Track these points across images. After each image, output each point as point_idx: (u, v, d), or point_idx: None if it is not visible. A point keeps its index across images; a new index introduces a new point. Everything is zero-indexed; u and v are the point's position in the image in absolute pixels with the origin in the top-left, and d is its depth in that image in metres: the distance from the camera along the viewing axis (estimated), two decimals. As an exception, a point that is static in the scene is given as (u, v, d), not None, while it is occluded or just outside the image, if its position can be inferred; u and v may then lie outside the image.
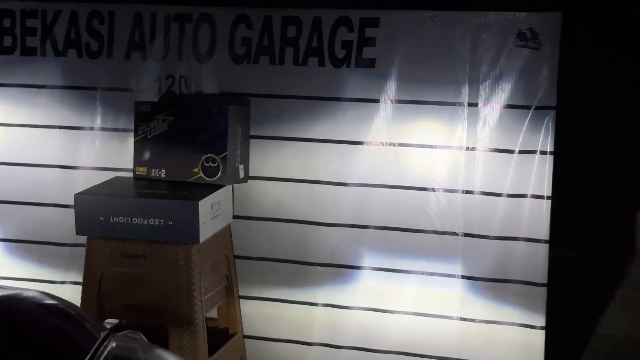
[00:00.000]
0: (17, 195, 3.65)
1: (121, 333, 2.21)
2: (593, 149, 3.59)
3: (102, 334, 2.11)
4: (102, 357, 2.01)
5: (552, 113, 3.16)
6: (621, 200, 3.74)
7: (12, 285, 2.29)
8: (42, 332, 2.05)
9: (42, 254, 3.67)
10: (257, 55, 3.38)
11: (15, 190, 3.65)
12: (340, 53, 3.30)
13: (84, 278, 3.26)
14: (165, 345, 3.14)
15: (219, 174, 3.28)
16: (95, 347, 2.02)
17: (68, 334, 2.08)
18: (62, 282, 3.67)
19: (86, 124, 3.57)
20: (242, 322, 3.52)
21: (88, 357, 1.98)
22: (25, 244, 3.69)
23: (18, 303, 2.10)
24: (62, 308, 2.20)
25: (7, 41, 3.56)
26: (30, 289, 2.21)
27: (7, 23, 3.54)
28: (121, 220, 3.15)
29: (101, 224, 3.17)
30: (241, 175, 3.37)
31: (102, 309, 3.24)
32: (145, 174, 3.39)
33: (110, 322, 3.30)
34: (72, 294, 3.45)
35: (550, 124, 3.15)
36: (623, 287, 3.84)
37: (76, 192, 3.28)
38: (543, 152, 3.18)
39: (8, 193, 3.66)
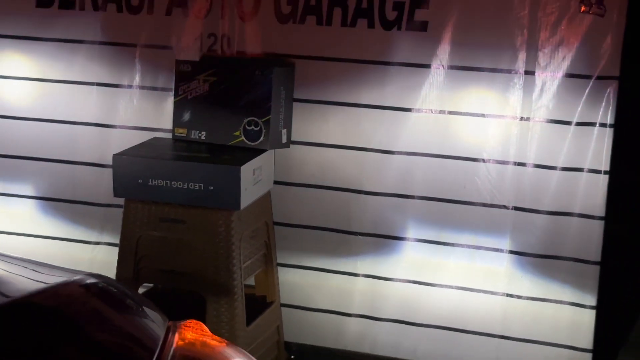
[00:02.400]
0: (52, 152, 3.57)
1: (182, 323, 2.03)
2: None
3: (165, 326, 1.95)
4: (170, 352, 1.86)
5: (615, 84, 3.02)
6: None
7: (70, 268, 2.10)
8: (104, 329, 1.89)
9: (76, 214, 3.60)
10: (304, 15, 3.23)
11: (50, 148, 3.57)
12: (390, 15, 3.15)
13: (121, 241, 3.14)
14: (203, 314, 3.03)
15: (262, 138, 3.13)
16: (159, 346, 1.86)
17: (131, 333, 1.92)
18: (97, 243, 3.58)
19: (124, 81, 3.46)
20: (279, 291, 3.40)
21: (156, 355, 1.83)
22: (60, 203, 3.61)
23: (72, 290, 1.92)
24: (124, 300, 2.06)
25: (46, -7, 3.44)
26: (90, 275, 2.04)
27: (44, -26, 3.44)
28: (160, 183, 3.01)
29: (139, 186, 3.04)
30: (284, 140, 3.21)
31: (138, 274, 3.13)
32: (184, 135, 3.26)
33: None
34: (107, 255, 3.49)
35: (611, 95, 3.03)
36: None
37: (112, 151, 3.15)
38: (603, 125, 3.04)
39: (43, 150, 3.58)
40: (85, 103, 3.49)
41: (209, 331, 2.07)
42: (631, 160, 3.31)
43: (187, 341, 1.95)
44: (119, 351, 1.83)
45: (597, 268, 3.11)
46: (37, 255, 3.50)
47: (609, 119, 3.01)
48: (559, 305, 3.17)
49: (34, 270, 2.02)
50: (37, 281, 1.95)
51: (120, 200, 3.15)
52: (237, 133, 3.16)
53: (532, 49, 3.05)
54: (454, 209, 3.21)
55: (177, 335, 1.94)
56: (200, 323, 2.06)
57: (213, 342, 2.02)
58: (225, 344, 2.06)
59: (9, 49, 3.53)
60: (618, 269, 3.31)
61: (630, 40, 2.99)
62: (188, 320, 2.05)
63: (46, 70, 3.51)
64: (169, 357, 1.84)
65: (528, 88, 3.07)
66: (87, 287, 1.95)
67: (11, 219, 3.67)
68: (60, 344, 1.72)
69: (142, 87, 3.43)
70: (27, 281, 1.94)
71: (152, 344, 1.86)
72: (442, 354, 3.31)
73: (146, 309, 2.04)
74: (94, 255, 3.56)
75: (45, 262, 2.16)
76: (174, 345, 1.89)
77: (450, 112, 3.16)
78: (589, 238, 3.10)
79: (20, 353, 1.65)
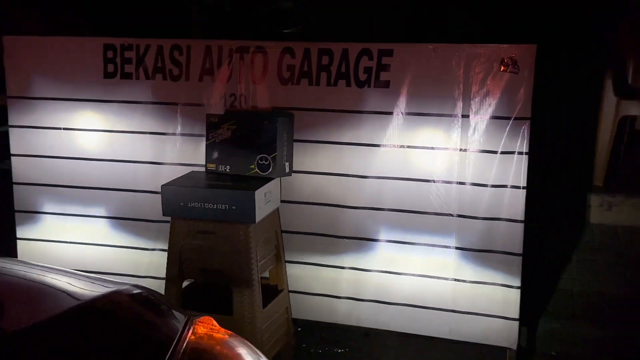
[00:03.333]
0: (119, 184, 3.69)
1: (197, 320, 2.10)
2: (558, 151, 3.55)
3: (183, 322, 2.04)
4: (184, 345, 1.92)
5: (527, 122, 3.15)
6: (575, 189, 3.70)
7: (126, 282, 2.19)
8: (137, 321, 1.98)
9: (137, 228, 3.72)
10: (299, 79, 3.37)
11: (118, 181, 3.69)
12: (362, 76, 3.30)
13: (169, 249, 3.34)
14: (230, 301, 3.19)
15: (270, 169, 3.31)
16: (177, 337, 1.94)
17: (159, 327, 2.02)
18: (153, 249, 3.72)
19: (170, 130, 3.56)
20: (287, 281, 3.54)
21: (173, 345, 1.90)
22: (125, 221, 3.73)
23: (121, 297, 2.02)
24: (156, 304, 2.14)
25: (111, 68, 3.58)
26: (134, 285, 2.15)
27: (110, 54, 3.55)
28: (196, 205, 3.18)
29: (181, 207, 3.21)
30: (287, 170, 3.40)
31: (182, 273, 3.32)
32: (214, 169, 3.42)
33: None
34: (160, 259, 3.54)
35: (525, 131, 3.15)
36: (581, 253, 3.80)
37: (162, 182, 3.31)
38: (520, 153, 3.17)
39: (112, 182, 3.70)
40: (142, 147, 3.59)
41: (217, 325, 2.11)
42: (541, 178, 3.40)
43: (197, 335, 1.98)
44: (150, 339, 1.92)
45: (520, 258, 3.23)
46: (109, 259, 3.77)
47: (525, 148, 3.14)
48: (493, 286, 3.27)
49: (91, 282, 2.14)
50: (93, 291, 2.07)
51: (168, 218, 3.29)
52: (253, 166, 3.32)
53: (467, 99, 3.16)
54: (414, 217, 3.32)
55: (191, 330, 1.98)
56: (211, 319, 2.11)
57: (218, 335, 2.04)
58: (229, 337, 2.06)
59: (85, 109, 3.62)
60: (535, 258, 3.41)
61: (537, 91, 3.11)
62: (202, 317, 2.11)
63: (113, 124, 3.61)
64: (184, 346, 1.88)
65: (465, 127, 3.19)
66: (131, 295, 2.03)
67: (89, 234, 3.77)
68: (112, 335, 1.86)
69: (182, 134, 3.54)
70: (84, 292, 2.06)
71: (173, 335, 1.92)
72: (409, 325, 3.42)
73: (173, 311, 2.12)
74: (151, 259, 3.71)
75: (100, 275, 2.33)
76: (188, 337, 1.94)
77: (408, 147, 3.30)
78: (513, 236, 3.20)
79: (88, 342, 1.82)
